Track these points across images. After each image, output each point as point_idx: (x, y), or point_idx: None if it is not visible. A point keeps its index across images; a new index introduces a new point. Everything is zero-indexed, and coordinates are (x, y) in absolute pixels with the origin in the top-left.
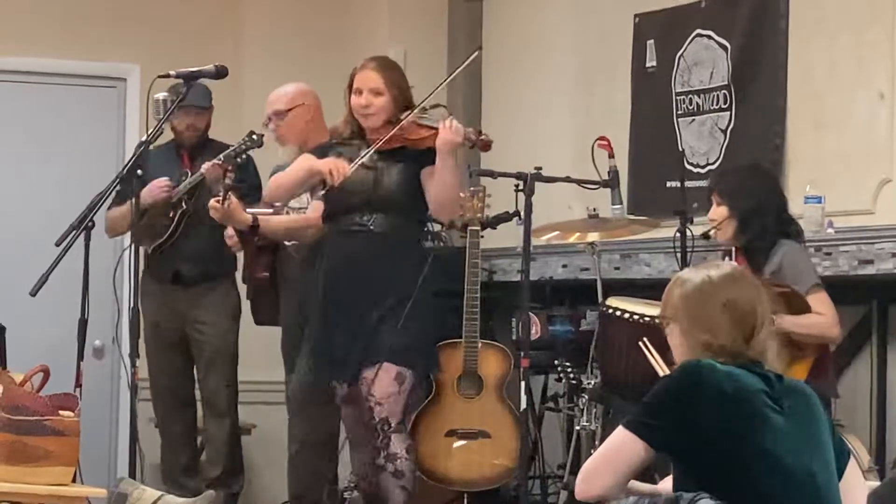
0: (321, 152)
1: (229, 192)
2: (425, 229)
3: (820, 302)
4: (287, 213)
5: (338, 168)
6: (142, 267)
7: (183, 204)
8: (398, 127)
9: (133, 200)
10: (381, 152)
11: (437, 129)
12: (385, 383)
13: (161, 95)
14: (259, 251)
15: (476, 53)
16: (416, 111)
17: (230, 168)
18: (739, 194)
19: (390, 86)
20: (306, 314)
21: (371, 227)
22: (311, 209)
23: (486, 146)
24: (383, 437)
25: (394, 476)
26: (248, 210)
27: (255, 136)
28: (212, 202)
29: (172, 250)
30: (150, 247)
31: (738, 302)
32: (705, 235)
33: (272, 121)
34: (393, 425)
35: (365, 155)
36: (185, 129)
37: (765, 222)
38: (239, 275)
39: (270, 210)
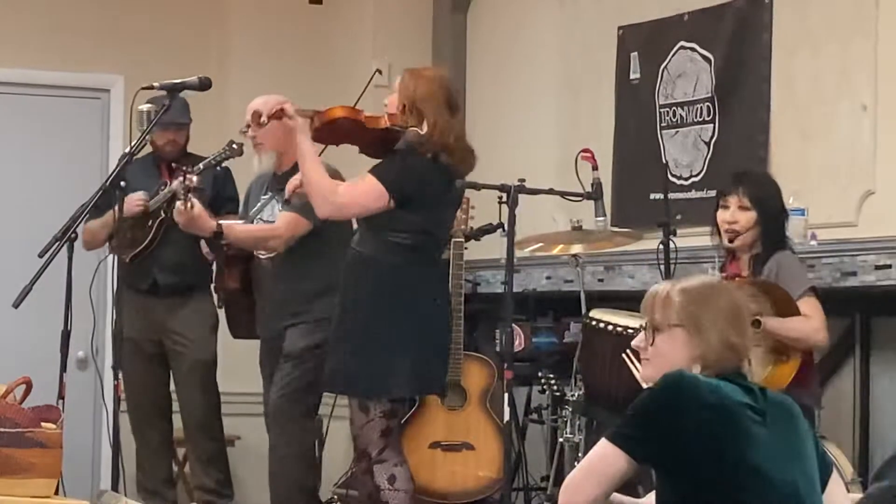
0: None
1: (190, 195)
2: (406, 244)
3: (810, 306)
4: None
5: None
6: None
7: (162, 213)
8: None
9: (116, 212)
10: None
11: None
12: (354, 414)
13: (145, 107)
14: (230, 261)
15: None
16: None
17: (188, 170)
18: (769, 201)
19: None
20: None
21: (353, 245)
22: (280, 220)
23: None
24: (366, 466)
25: None
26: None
27: (234, 146)
28: (177, 205)
29: (150, 260)
30: (129, 256)
31: (741, 305)
32: (731, 240)
33: (250, 127)
34: (372, 456)
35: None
36: (165, 144)
37: (782, 232)
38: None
39: (240, 221)
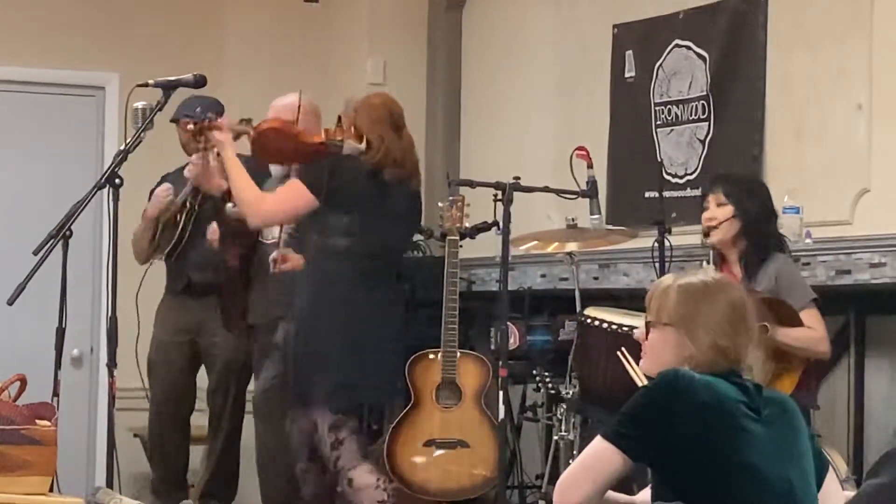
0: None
1: (208, 152)
2: (339, 247)
3: (813, 317)
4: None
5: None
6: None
7: (187, 204)
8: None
9: (111, 208)
10: None
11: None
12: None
13: (140, 104)
14: (238, 236)
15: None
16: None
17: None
18: (747, 196)
19: None
20: None
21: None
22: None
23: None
24: (307, 466)
25: None
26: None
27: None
28: (192, 157)
29: (183, 259)
30: (163, 255)
31: (739, 305)
32: (705, 234)
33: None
34: (329, 469)
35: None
36: (186, 143)
37: (765, 230)
38: None
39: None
